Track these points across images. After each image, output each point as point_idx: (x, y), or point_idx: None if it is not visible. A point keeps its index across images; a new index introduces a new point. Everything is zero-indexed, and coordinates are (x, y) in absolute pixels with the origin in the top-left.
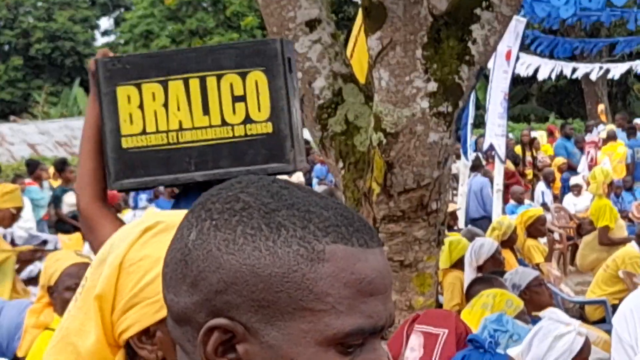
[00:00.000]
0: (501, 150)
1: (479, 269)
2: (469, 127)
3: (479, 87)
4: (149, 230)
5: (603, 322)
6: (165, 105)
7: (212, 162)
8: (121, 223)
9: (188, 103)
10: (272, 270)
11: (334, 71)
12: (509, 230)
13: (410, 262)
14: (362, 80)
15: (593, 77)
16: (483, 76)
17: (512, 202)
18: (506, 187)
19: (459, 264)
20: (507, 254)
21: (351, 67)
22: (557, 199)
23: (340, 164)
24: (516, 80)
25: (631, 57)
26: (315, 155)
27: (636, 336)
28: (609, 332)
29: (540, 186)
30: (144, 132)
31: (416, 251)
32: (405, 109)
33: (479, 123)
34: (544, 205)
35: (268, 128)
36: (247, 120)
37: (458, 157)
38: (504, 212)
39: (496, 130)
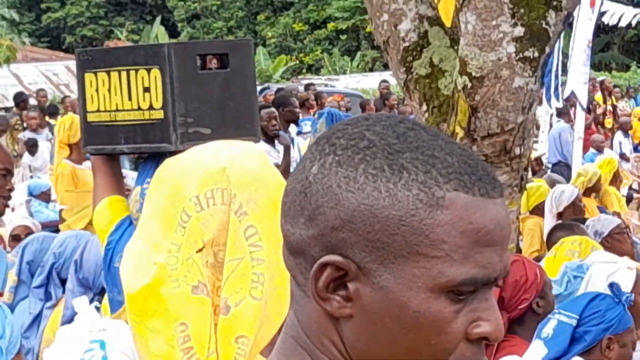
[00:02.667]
0: (583, 97)
1: (559, 215)
2: (553, 73)
3: (562, 35)
4: (250, 150)
5: None
6: (109, 90)
7: (132, 138)
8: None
9: (120, 90)
10: (390, 212)
11: (420, 14)
12: (594, 177)
13: None
14: (448, 23)
15: None
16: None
17: (591, 150)
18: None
19: (536, 210)
20: (588, 202)
21: (437, 10)
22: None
23: (424, 107)
24: (598, 28)
25: None
26: None
27: None
28: None
29: (618, 136)
30: (98, 110)
31: None
32: (491, 53)
33: (561, 71)
34: (622, 155)
35: (161, 115)
36: (151, 107)
37: (540, 103)
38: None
39: (578, 78)
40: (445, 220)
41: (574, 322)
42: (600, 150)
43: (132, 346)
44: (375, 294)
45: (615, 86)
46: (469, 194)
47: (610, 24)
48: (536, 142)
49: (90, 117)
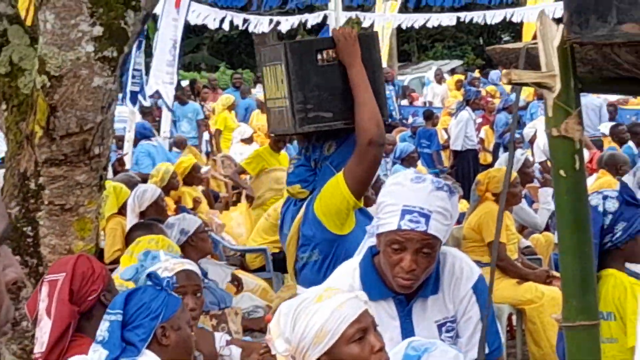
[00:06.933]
0: (169, 97)
1: (142, 214)
2: (131, 72)
3: (152, 34)
4: None
5: (263, 270)
6: (270, 81)
7: (280, 123)
8: None
9: (273, 82)
10: None
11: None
12: (167, 176)
13: (72, 206)
14: (28, 22)
15: (265, 29)
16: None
17: (175, 149)
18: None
19: (123, 210)
20: (168, 201)
21: (17, 9)
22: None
23: (4, 106)
24: (188, 29)
25: (301, 11)
26: None
27: None
28: (267, 279)
29: (205, 135)
30: (270, 98)
31: (77, 195)
32: (70, 52)
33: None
34: (208, 154)
35: (287, 103)
36: (284, 96)
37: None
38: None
39: (164, 78)
40: None
41: (119, 318)
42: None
43: None
44: None
45: (204, 86)
46: None
47: (198, 25)
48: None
49: (268, 104)
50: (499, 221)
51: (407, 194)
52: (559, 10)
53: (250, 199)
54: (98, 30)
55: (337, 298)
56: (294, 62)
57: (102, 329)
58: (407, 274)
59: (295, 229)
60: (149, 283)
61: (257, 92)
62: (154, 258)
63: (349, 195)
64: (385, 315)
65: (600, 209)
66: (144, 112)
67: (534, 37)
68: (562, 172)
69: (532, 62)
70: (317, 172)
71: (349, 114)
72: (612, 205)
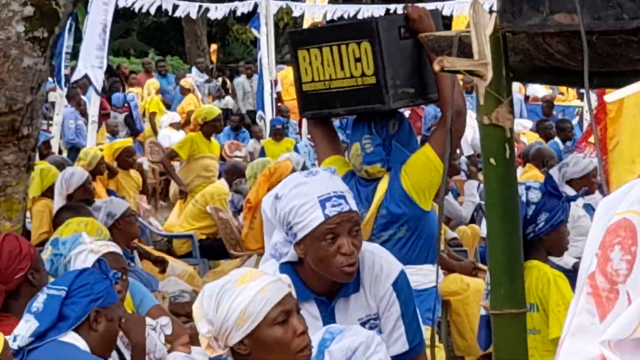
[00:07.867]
0: (98, 82)
1: (69, 197)
2: (64, 56)
3: (82, 18)
4: None
5: (190, 256)
6: (322, 63)
7: (347, 102)
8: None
9: (333, 62)
10: None
11: None
12: (95, 160)
13: None
14: None
15: (193, 15)
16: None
17: (107, 134)
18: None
19: (49, 192)
20: (96, 185)
21: None
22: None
23: None
24: (117, 14)
25: None
26: None
27: None
28: (194, 265)
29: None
30: (312, 81)
31: (5, 176)
32: (0, 32)
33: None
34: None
35: (373, 80)
36: (363, 74)
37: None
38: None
39: (93, 62)
40: None
41: (62, 294)
42: (114, 134)
43: None
44: None
45: (132, 72)
46: None
47: (129, 10)
48: (51, 125)
49: (305, 87)
50: (440, 211)
51: (314, 187)
52: (487, 5)
53: (183, 194)
54: (29, 10)
55: (261, 280)
56: (386, 38)
57: (39, 301)
58: (350, 258)
59: (375, 209)
60: (97, 269)
61: (189, 78)
62: (64, 244)
63: (441, 167)
64: (309, 316)
65: (523, 199)
66: (69, 96)
67: (467, 26)
68: (492, 161)
69: (464, 50)
70: (386, 150)
71: (427, 89)
72: (535, 195)
